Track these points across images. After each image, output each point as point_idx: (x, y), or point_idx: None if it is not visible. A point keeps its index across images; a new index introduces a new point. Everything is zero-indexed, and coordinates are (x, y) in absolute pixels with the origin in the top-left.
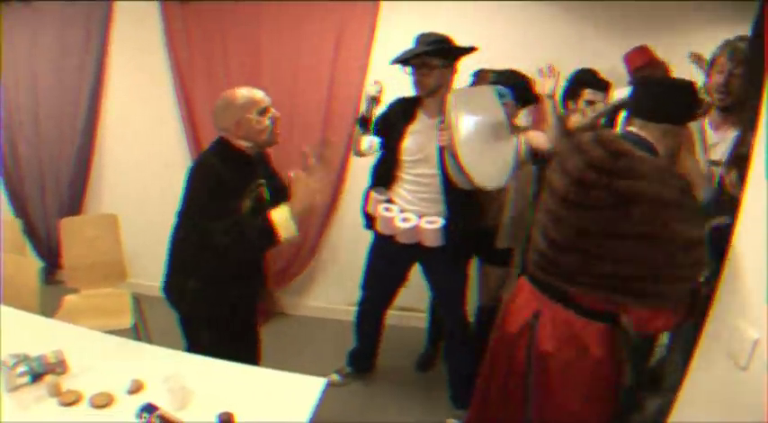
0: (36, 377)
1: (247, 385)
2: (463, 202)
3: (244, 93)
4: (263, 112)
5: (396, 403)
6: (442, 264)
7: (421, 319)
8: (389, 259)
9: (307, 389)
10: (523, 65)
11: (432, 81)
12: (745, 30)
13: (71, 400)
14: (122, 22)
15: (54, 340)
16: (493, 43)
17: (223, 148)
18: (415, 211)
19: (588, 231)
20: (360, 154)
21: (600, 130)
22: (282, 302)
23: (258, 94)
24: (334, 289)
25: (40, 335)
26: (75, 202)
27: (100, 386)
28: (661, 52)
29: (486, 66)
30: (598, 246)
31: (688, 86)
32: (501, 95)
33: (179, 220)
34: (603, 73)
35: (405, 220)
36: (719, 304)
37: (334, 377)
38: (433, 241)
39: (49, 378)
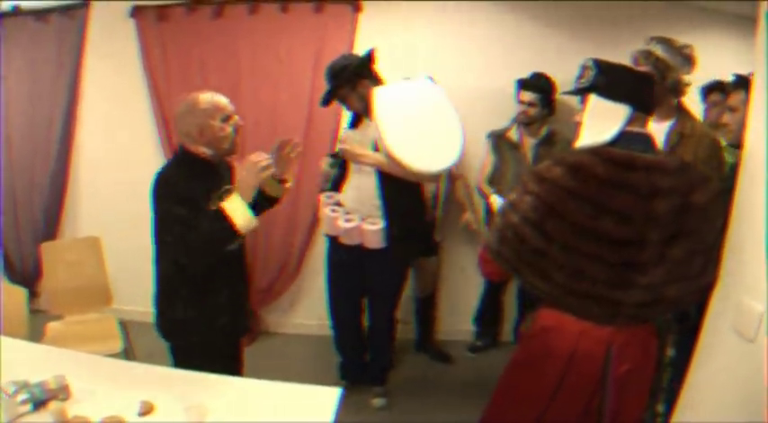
0: (38, 405)
1: (262, 400)
2: (401, 201)
3: (207, 98)
4: (227, 119)
5: (392, 414)
6: (383, 266)
7: (408, 331)
8: (341, 263)
9: (321, 399)
10: (499, 67)
11: (356, 104)
12: (706, 30)
13: None
14: (96, 39)
15: (45, 366)
16: (472, 46)
17: (184, 157)
18: (359, 213)
19: (686, 258)
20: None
21: (609, 149)
22: (268, 321)
23: (222, 99)
24: (319, 305)
25: (28, 362)
26: (50, 227)
27: (107, 410)
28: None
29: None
30: (699, 263)
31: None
32: None
33: (157, 245)
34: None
35: (347, 220)
36: (723, 282)
37: None
38: (374, 243)
39: (53, 405)
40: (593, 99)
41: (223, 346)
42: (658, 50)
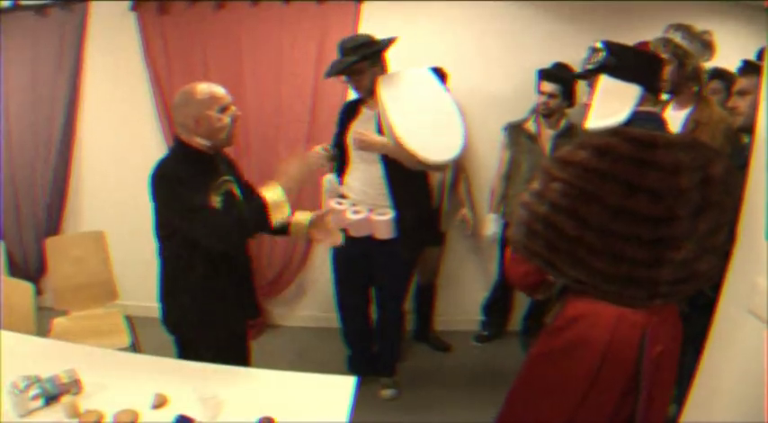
0: (50, 399)
1: (277, 390)
2: (409, 189)
3: (204, 88)
4: (224, 109)
5: (401, 404)
6: (393, 257)
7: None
8: (348, 256)
9: (336, 389)
10: (503, 62)
11: (366, 82)
12: (715, 25)
13: (93, 421)
14: (97, 34)
15: (56, 361)
16: (473, 42)
17: (180, 149)
18: (366, 204)
19: (713, 230)
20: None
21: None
22: (273, 314)
23: (219, 90)
24: (324, 298)
25: (39, 356)
26: (52, 223)
27: (120, 404)
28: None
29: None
30: (723, 234)
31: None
32: None
33: (159, 241)
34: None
35: (355, 212)
36: (738, 264)
37: None
38: (384, 234)
39: (65, 399)
40: (603, 80)
41: (231, 335)
42: (677, 37)
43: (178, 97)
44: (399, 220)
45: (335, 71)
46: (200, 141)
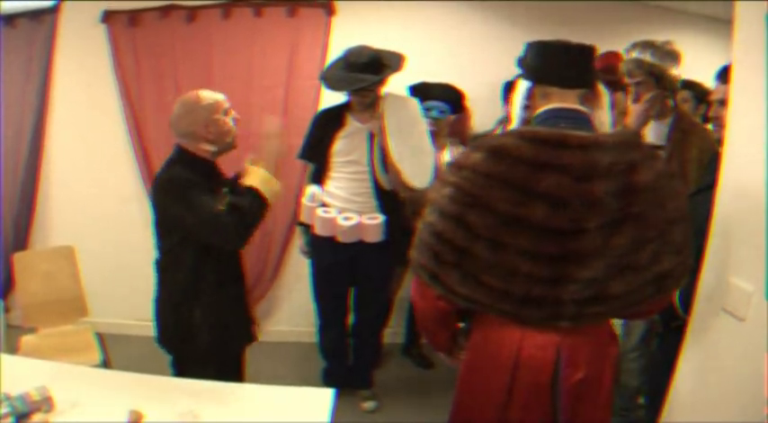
0: (20, 418)
1: (254, 404)
2: (393, 198)
3: (208, 94)
4: (227, 112)
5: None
6: (381, 258)
7: (396, 335)
8: (335, 263)
9: (315, 401)
10: (472, 69)
11: (372, 98)
12: (678, 31)
13: None
14: (67, 47)
15: (26, 378)
16: (445, 48)
17: (184, 156)
18: (352, 209)
19: (633, 247)
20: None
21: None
22: None
23: (220, 95)
24: (296, 313)
25: (8, 374)
26: (20, 239)
27: (93, 421)
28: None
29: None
30: (649, 251)
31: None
32: (441, 111)
33: (161, 252)
34: None
35: (346, 218)
36: (711, 264)
37: None
38: (374, 237)
39: (37, 417)
40: (519, 81)
41: (231, 352)
42: (648, 57)
43: (180, 107)
44: (389, 223)
45: (357, 87)
46: (207, 148)
